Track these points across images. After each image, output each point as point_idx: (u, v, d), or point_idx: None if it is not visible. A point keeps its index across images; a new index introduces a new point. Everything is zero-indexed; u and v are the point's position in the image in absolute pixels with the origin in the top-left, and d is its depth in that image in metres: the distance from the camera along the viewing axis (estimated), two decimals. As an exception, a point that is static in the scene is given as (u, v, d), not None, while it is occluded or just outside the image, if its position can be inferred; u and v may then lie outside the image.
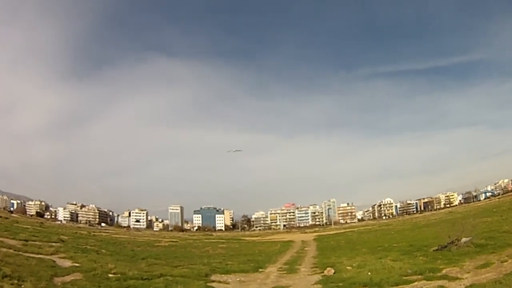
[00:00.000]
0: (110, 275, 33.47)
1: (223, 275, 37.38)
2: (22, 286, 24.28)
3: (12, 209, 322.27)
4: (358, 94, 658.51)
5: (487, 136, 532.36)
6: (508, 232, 50.70)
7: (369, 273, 32.29)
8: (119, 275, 33.28)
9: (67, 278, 30.59)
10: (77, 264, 39.18)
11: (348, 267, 37.79)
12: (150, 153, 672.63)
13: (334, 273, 35.51)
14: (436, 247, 43.24)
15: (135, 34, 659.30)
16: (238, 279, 35.12)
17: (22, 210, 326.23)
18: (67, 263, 39.68)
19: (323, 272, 36.61)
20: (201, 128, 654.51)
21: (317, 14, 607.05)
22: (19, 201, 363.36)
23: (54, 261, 40.14)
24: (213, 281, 33.43)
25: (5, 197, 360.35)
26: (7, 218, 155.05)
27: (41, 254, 46.00)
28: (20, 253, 43.29)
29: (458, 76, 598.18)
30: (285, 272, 40.61)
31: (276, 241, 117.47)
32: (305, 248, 79.54)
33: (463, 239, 41.40)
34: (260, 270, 42.11)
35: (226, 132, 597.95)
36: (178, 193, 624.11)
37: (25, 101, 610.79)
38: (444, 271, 29.71)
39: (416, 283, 26.82)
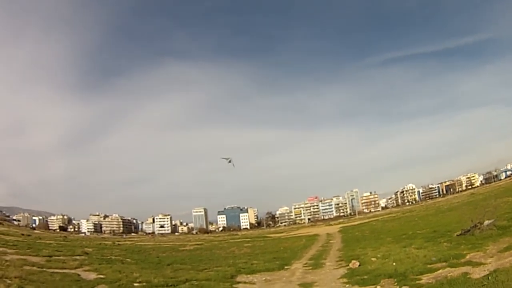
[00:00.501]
0: (135, 284, 33.64)
1: (248, 275, 37.45)
2: None
3: (34, 225, 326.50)
4: (372, 82, 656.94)
5: (503, 114, 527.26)
6: (529, 211, 50.34)
7: (394, 264, 32.23)
8: (144, 284, 33.49)
9: None
10: (102, 276, 39.22)
11: (373, 258, 37.73)
12: (169, 158, 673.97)
13: (359, 265, 35.48)
14: (460, 232, 42.96)
15: (143, 41, 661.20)
16: (263, 279, 35.19)
17: (45, 225, 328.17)
18: (92, 276, 39.84)
19: (348, 265, 36.59)
20: (219, 129, 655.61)
21: (323, 5, 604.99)
22: (41, 217, 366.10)
23: (79, 275, 40.16)
24: (239, 282, 33.52)
25: (26, 215, 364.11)
26: (29, 235, 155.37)
27: (65, 268, 46.03)
28: (44, 269, 43.08)
29: (469, 56, 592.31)
30: (310, 267, 40.58)
31: (301, 236, 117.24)
32: (330, 241, 79.37)
33: (486, 222, 41.03)
34: (285, 267, 42.15)
35: (243, 131, 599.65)
36: (201, 195, 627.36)
37: (38, 117, 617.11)
38: (468, 257, 29.47)
39: (440, 271, 26.63)
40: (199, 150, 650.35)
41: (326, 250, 61.77)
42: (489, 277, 21.36)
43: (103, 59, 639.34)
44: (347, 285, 28.07)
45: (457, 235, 42.44)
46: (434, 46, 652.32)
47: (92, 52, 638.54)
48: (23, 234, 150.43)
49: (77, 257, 64.09)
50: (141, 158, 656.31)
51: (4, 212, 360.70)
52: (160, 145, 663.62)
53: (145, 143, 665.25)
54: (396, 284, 25.41)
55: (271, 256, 57.98)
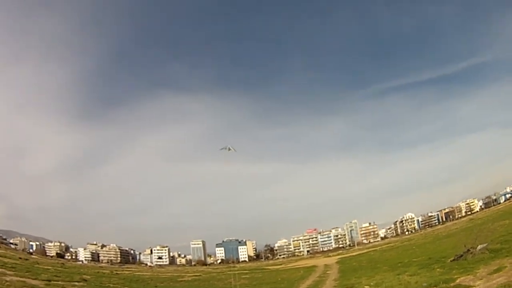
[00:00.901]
0: None
1: None
2: None
3: (31, 250, 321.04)
4: (369, 112, 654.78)
5: (501, 137, 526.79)
6: (523, 232, 50.93)
7: (385, 290, 32.77)
8: None
9: None
10: None
11: (366, 286, 38.34)
12: (168, 190, 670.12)
13: None
14: (453, 258, 43.46)
15: (142, 71, 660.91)
16: None
17: (42, 251, 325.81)
18: None
19: None
20: (217, 161, 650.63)
21: (321, 36, 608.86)
22: (38, 243, 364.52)
23: None
24: None
25: (23, 239, 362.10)
26: (27, 259, 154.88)
27: None
28: None
29: (466, 81, 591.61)
30: None
31: (299, 267, 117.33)
32: (327, 272, 79.75)
33: (479, 246, 41.66)
34: None
35: (243, 163, 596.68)
36: (199, 227, 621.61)
37: (38, 143, 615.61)
38: (458, 281, 30.14)
39: (430, 295, 27.18)
40: (198, 181, 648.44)
41: (322, 280, 62.14)
42: (475, 298, 21.98)
43: (102, 88, 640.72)
44: None
45: (450, 261, 43.02)
46: (429, 74, 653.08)
47: (92, 81, 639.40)
48: (20, 258, 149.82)
49: (76, 283, 65.34)
50: (140, 189, 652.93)
51: (1, 235, 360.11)
52: (159, 176, 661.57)
53: (144, 173, 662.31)
54: (387, 309, 25.95)
55: (268, 287, 58.60)
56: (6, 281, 47.07)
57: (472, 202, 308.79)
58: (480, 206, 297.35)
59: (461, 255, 42.10)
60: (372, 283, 39.82)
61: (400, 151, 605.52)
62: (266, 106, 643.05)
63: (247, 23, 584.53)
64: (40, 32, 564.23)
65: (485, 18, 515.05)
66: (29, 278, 60.71)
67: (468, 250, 41.94)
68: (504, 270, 28.84)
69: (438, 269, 39.55)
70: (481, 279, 28.49)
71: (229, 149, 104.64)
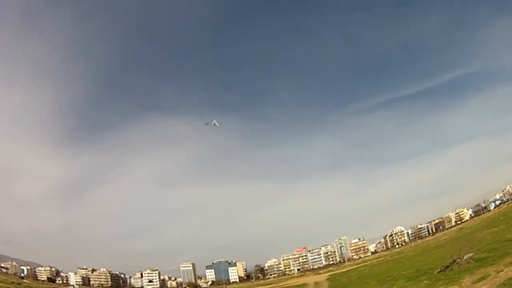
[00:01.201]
0: None
1: None
2: None
3: (22, 274, 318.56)
4: (357, 129, 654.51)
5: (489, 146, 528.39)
6: (510, 240, 51.47)
7: (373, 304, 33.10)
8: None
9: None
10: None
11: (354, 301, 38.59)
12: (158, 213, 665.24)
13: None
14: (439, 269, 43.92)
15: (132, 96, 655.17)
16: None
17: (33, 275, 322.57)
18: None
19: None
20: (206, 184, 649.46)
21: (308, 57, 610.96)
22: (29, 267, 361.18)
23: None
24: None
25: (14, 263, 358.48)
26: (19, 284, 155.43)
27: None
28: None
29: (452, 92, 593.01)
30: None
31: (290, 286, 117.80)
32: None
33: (465, 256, 42.21)
34: None
35: (232, 185, 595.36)
36: (189, 250, 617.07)
37: (29, 169, 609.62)
38: (443, 291, 30.40)
39: (416, 306, 27.54)
40: (187, 205, 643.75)
41: None
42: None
43: (91, 113, 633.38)
44: None
45: (437, 272, 43.50)
46: (415, 87, 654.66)
47: (81, 106, 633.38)
48: (13, 282, 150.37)
49: None
50: (130, 213, 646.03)
51: None
52: (150, 200, 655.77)
53: (135, 197, 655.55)
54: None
55: None
56: None
57: (461, 211, 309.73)
58: (470, 214, 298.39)
59: (448, 266, 42.61)
60: (360, 298, 40.17)
61: (390, 166, 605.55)
62: (256, 128, 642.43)
63: (235, 47, 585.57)
64: (27, 58, 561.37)
65: (468, 29, 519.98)
66: None
67: (455, 260, 42.47)
68: (488, 278, 29.30)
69: (425, 281, 40.06)
70: (465, 288, 28.95)
71: (215, 124, 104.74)
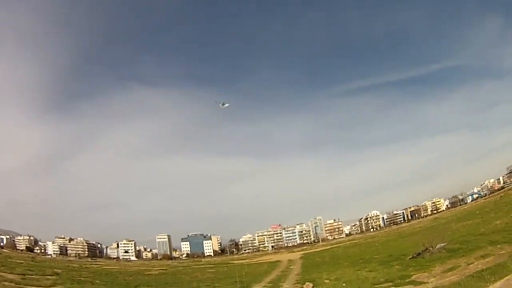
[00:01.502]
0: None
1: None
2: None
3: (1, 244, 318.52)
4: (338, 111, 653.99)
5: (470, 139, 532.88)
6: (483, 234, 52.39)
7: (344, 285, 34.16)
8: None
9: None
10: None
11: (326, 281, 39.56)
12: (135, 184, 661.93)
13: (312, 287, 37.13)
14: (411, 255, 44.89)
15: (111, 66, 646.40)
16: None
17: (12, 245, 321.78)
18: None
19: (302, 287, 38.18)
20: (184, 157, 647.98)
21: (290, 36, 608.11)
22: (8, 236, 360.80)
23: None
24: None
25: None
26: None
27: (40, 286, 47.70)
28: (21, 285, 44.80)
29: (434, 84, 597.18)
30: None
31: (264, 262, 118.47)
32: (291, 267, 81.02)
33: (438, 245, 43.14)
34: None
35: (209, 159, 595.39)
36: (165, 222, 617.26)
37: (5, 138, 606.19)
38: (413, 277, 31.53)
39: (385, 290, 28.42)
40: (164, 177, 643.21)
41: (285, 274, 63.53)
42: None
43: (69, 82, 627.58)
44: None
45: (409, 258, 44.48)
46: (398, 75, 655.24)
47: (58, 74, 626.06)
48: None
49: (49, 276, 65.01)
50: (107, 183, 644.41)
51: None
52: (127, 171, 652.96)
53: (111, 168, 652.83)
54: (342, 302, 27.15)
55: (232, 280, 59.42)
56: None
57: (438, 202, 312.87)
58: (446, 205, 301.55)
59: (420, 253, 43.65)
60: (332, 278, 41.16)
61: (368, 150, 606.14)
62: (234, 103, 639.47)
63: (216, 22, 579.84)
64: (5, 25, 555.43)
65: (456, 24, 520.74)
66: (5, 272, 61.48)
67: (427, 248, 43.45)
68: (458, 269, 30.20)
69: (396, 266, 40.99)
70: (435, 276, 29.88)
71: (223, 105, 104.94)
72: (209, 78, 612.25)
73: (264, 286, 46.98)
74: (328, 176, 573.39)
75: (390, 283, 30.91)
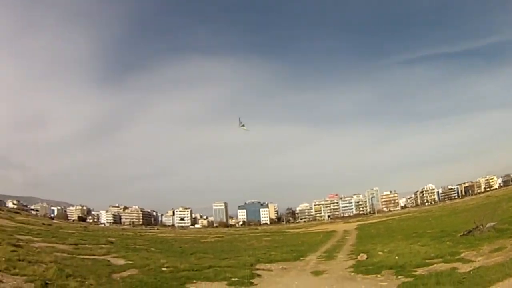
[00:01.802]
0: (163, 269, 36.39)
1: (267, 264, 40.16)
2: (86, 282, 25.58)
3: (52, 215, 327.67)
4: (394, 81, 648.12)
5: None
6: (533, 216, 52.09)
7: (396, 257, 35.12)
8: (172, 269, 36.10)
9: (124, 274, 33.20)
10: (130, 262, 41.88)
11: (380, 253, 40.53)
12: (191, 153, 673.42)
13: (366, 258, 38.32)
14: (462, 233, 45.21)
15: (165, 36, 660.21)
16: (280, 267, 38.04)
17: (64, 216, 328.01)
18: (121, 262, 42.23)
19: (357, 258, 39.37)
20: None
21: (347, 2, 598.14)
22: (59, 207, 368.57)
23: (109, 261, 42.67)
24: (258, 269, 36.21)
25: (45, 204, 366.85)
26: (50, 225, 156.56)
27: (94, 255, 48.06)
28: (74, 255, 44.94)
29: (492, 57, 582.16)
30: (323, 259, 43.40)
31: (319, 231, 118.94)
32: (346, 237, 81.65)
33: (488, 224, 43.29)
34: (301, 258, 44.90)
35: (265, 127, 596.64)
36: (222, 190, 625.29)
37: (59, 110, 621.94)
38: (462, 255, 32.10)
39: (435, 265, 29.41)
40: (221, 145, 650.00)
41: (340, 244, 64.28)
42: (471, 272, 24.26)
43: (124, 53, 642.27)
44: (352, 274, 31.06)
45: (460, 236, 44.68)
46: (454, 47, 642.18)
47: (113, 46, 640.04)
48: (43, 224, 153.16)
49: (103, 245, 66.46)
50: (162, 152, 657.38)
51: (21, 202, 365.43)
52: (182, 139, 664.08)
53: (167, 137, 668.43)
54: (394, 274, 28.36)
55: (288, 249, 60.39)
56: (35, 247, 48.55)
57: (491, 179, 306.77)
58: (499, 183, 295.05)
59: (470, 231, 43.86)
60: (385, 250, 41.96)
61: (424, 122, 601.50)
62: (289, 71, 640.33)
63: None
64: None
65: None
66: (56, 243, 62.21)
67: (477, 227, 43.68)
68: (504, 250, 30.53)
69: (447, 242, 41.17)
70: (482, 255, 30.37)
71: (242, 125, 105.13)
72: (265, 46, 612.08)
73: (320, 256, 47.29)
74: (383, 146, 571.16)
75: (440, 259, 31.54)
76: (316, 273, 33.21)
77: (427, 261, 31.79)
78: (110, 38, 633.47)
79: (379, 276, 28.70)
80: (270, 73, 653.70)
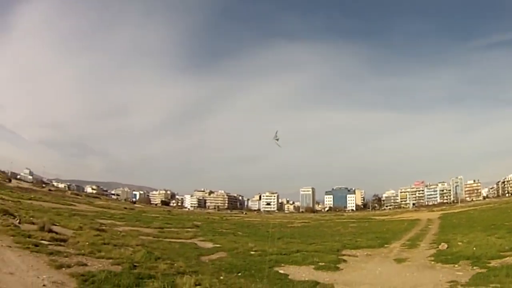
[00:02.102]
0: (252, 252, 38.17)
1: (352, 250, 42.11)
2: (175, 264, 25.92)
3: (134, 199, 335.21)
4: (479, 66, 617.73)
5: None
6: None
7: (474, 248, 36.31)
8: (260, 252, 37.63)
9: (213, 257, 35.08)
10: (218, 245, 43.74)
11: (459, 243, 41.59)
12: (279, 138, 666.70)
13: (446, 247, 39.72)
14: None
15: (251, 22, 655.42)
16: (365, 253, 40.04)
17: (146, 200, 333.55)
18: (209, 245, 44.14)
19: (438, 247, 40.83)
20: (327, 110, 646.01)
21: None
22: (142, 192, 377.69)
23: (196, 244, 44.76)
24: (344, 255, 38.16)
25: (126, 189, 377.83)
26: (132, 209, 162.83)
27: (180, 238, 49.92)
28: (160, 239, 46.77)
29: None
30: (407, 247, 45.05)
31: (404, 219, 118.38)
32: (429, 226, 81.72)
33: None
34: (385, 245, 46.69)
35: (352, 112, 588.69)
36: (308, 175, 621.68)
37: (144, 98, 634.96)
38: (536, 249, 32.57)
39: (508, 258, 30.51)
40: (308, 129, 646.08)
41: (423, 233, 64.73)
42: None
43: (210, 41, 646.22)
44: (432, 262, 32.81)
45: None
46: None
47: (199, 34, 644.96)
48: (125, 208, 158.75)
49: (189, 229, 68.90)
50: (247, 137, 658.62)
51: (101, 187, 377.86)
52: (270, 124, 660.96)
53: (254, 122, 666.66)
54: (470, 265, 29.90)
55: (373, 236, 61.69)
56: (119, 231, 49.52)
57: None
58: None
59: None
60: (465, 240, 42.81)
61: (509, 109, 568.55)
62: (376, 56, 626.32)
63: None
64: None
65: None
66: (141, 227, 64.56)
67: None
68: None
69: (524, 235, 41.69)
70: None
71: (277, 139, 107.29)
72: (352, 31, 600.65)
73: (403, 244, 48.40)
74: (467, 133, 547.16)
75: (514, 252, 32.37)
76: (399, 260, 34.94)
77: (501, 253, 32.62)
78: (196, 26, 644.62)
79: (456, 266, 30.07)
80: (356, 58, 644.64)
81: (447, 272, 28.18)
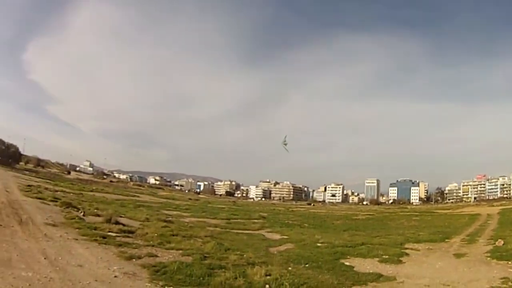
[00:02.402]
0: (318, 244, 38.57)
1: (415, 244, 42.52)
2: (245, 255, 26.12)
3: (198, 190, 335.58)
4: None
5: None
6: None
7: (526, 244, 36.68)
8: (326, 244, 38.23)
9: (281, 248, 35.56)
10: (286, 237, 44.36)
11: (513, 239, 41.76)
12: (342, 129, 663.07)
13: (503, 244, 40.00)
14: None
15: (311, 14, 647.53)
16: (427, 247, 40.60)
17: (211, 190, 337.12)
18: (276, 236, 44.70)
19: (495, 243, 41.17)
20: (388, 100, 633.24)
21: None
22: (206, 182, 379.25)
23: (263, 235, 45.21)
24: (407, 248, 38.74)
25: (190, 180, 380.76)
26: (197, 199, 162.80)
27: (247, 230, 50.29)
28: (228, 230, 47.17)
29: None
30: (466, 242, 45.20)
31: (464, 214, 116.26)
32: (488, 221, 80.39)
33: None
34: (446, 240, 46.94)
35: (415, 103, 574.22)
36: (373, 166, 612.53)
37: (209, 90, 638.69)
38: None
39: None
40: (371, 120, 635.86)
41: (482, 229, 63.90)
42: None
43: (271, 33, 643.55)
44: (488, 258, 33.46)
45: None
46: None
47: (260, 26, 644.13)
48: (190, 199, 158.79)
49: (255, 220, 69.05)
50: (313, 128, 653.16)
51: (165, 178, 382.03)
52: (333, 115, 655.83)
53: (318, 113, 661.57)
54: (524, 262, 30.48)
55: (435, 230, 61.51)
56: (186, 222, 49.78)
57: None
58: None
59: None
60: (519, 237, 42.96)
61: None
62: (438, 46, 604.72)
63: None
64: None
65: None
66: (207, 218, 64.58)
67: None
68: None
69: None
70: None
71: (285, 144, 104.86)
72: (411, 20, 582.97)
73: (463, 239, 48.30)
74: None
75: None
76: (458, 255, 35.38)
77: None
78: (258, 19, 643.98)
79: (510, 262, 30.40)
80: (418, 47, 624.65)
81: (500, 268, 28.45)
